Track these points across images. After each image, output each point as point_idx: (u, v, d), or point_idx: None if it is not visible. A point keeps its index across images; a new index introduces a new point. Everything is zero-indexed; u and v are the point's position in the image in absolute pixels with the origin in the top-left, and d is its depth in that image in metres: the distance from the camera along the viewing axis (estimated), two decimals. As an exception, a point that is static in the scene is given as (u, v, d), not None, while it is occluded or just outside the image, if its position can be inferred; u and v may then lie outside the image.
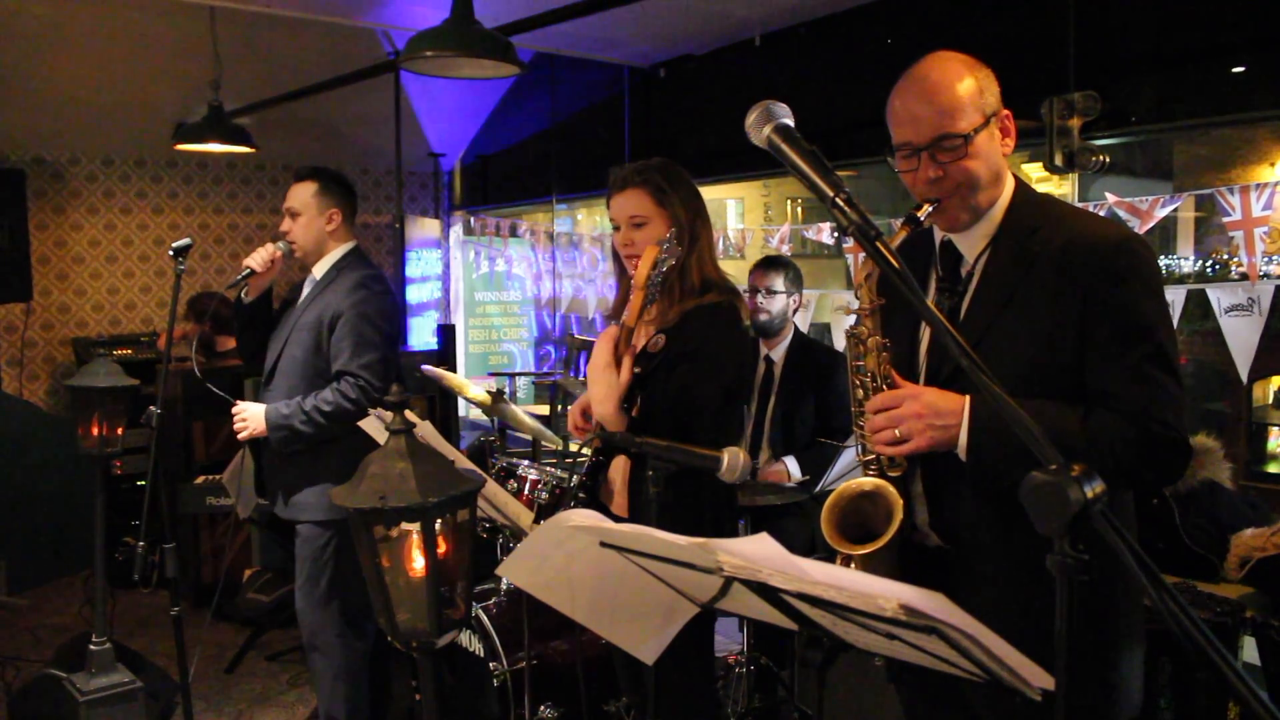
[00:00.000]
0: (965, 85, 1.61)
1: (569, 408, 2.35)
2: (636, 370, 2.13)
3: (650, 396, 2.11)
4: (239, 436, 3.04)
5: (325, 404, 2.93)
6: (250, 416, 3.00)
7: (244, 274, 3.08)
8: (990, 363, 1.19)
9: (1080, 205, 3.44)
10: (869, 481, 1.64)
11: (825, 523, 1.62)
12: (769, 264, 3.64)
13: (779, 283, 3.56)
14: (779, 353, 3.58)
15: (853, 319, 1.68)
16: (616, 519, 2.22)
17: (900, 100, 1.65)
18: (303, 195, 3.11)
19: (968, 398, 1.54)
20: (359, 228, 7.25)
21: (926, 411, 1.54)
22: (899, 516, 1.57)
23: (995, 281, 1.64)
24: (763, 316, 3.54)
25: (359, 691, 3.13)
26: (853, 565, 1.58)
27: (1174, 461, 1.55)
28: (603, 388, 2.07)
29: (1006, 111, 1.67)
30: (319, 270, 3.16)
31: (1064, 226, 1.61)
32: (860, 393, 1.66)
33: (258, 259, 3.08)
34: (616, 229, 2.31)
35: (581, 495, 2.13)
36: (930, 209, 1.62)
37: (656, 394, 2.11)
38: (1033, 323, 1.58)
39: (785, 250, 4.73)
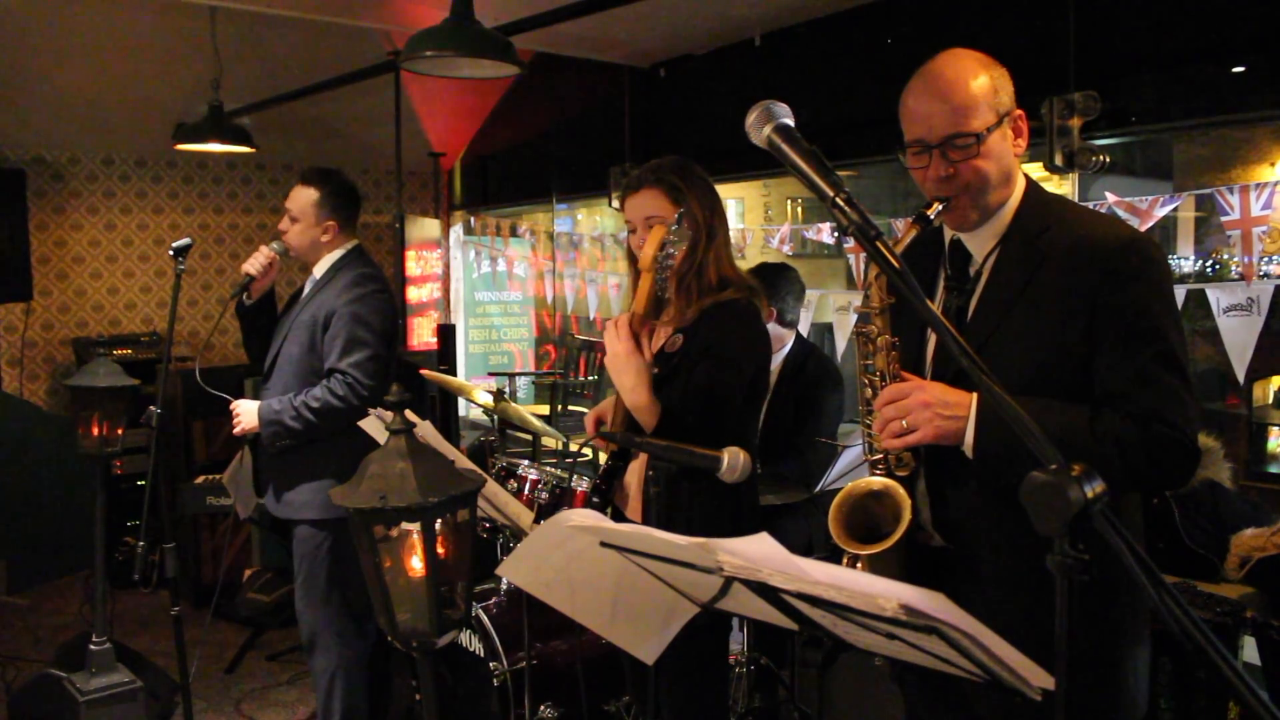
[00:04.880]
0: (979, 83, 1.60)
1: (584, 419, 2.32)
2: (655, 370, 2.10)
3: (673, 395, 2.08)
4: (235, 431, 3.08)
5: (314, 400, 2.96)
6: (244, 412, 3.05)
7: (244, 281, 3.15)
8: (997, 362, 1.19)
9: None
10: (877, 481, 1.63)
11: (833, 522, 1.62)
12: None
13: None
14: (775, 361, 3.51)
15: (863, 318, 1.68)
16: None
17: (913, 97, 1.64)
18: (302, 201, 3.14)
19: (975, 394, 1.53)
20: (360, 228, 7.27)
21: (934, 401, 1.53)
22: (907, 516, 1.57)
23: (1003, 281, 1.64)
24: None
25: (357, 690, 3.14)
26: (859, 565, 1.57)
27: (1181, 464, 1.53)
28: (632, 375, 2.02)
29: (1019, 111, 1.66)
30: (319, 270, 3.20)
31: (1073, 227, 1.61)
32: (869, 392, 1.66)
33: (255, 264, 3.14)
34: (631, 231, 2.26)
35: (595, 500, 2.12)
36: (940, 207, 1.61)
37: (679, 392, 2.08)
38: (1040, 322, 1.57)
39: (785, 250, 4.72)
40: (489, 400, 3.45)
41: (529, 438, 4.18)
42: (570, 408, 6.36)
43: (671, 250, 1.99)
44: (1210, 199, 3.26)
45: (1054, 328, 1.57)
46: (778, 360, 3.47)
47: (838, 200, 1.33)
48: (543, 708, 2.85)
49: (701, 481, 2.09)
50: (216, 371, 4.98)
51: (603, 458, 2.22)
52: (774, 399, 3.44)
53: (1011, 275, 1.63)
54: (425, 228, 7.00)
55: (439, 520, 1.34)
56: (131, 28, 4.80)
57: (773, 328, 3.42)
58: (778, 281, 3.46)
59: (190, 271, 6.48)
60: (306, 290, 3.21)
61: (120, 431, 3.24)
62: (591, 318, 6.59)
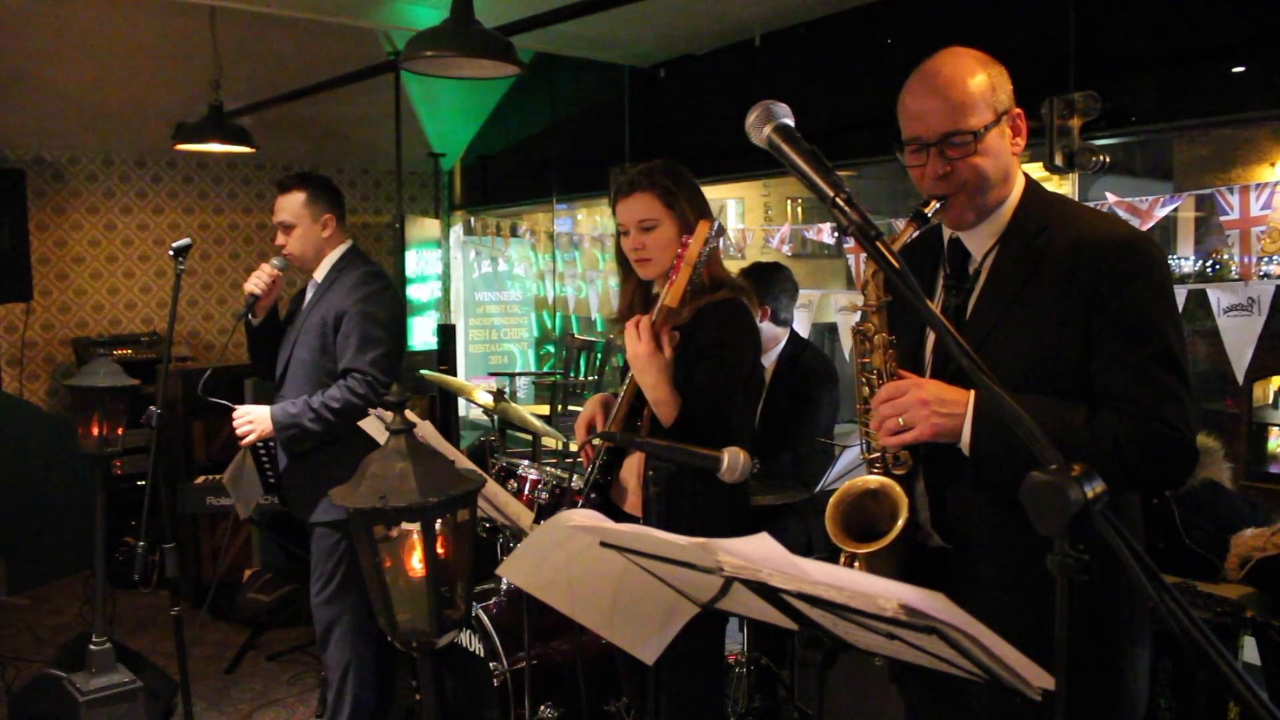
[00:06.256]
0: (977, 81, 1.61)
1: (575, 423, 2.33)
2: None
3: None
4: (243, 441, 3.05)
5: (334, 401, 2.95)
6: (256, 418, 3.01)
7: (250, 301, 3.13)
8: (996, 361, 1.18)
9: (1080, 205, 3.43)
10: (874, 480, 1.63)
11: (830, 520, 1.62)
12: None
13: None
14: (769, 359, 3.51)
15: (860, 316, 1.68)
16: (630, 519, 2.23)
17: (911, 95, 1.64)
18: (293, 206, 3.12)
19: (973, 391, 1.53)
20: (360, 228, 7.29)
21: (931, 399, 1.53)
22: (904, 515, 1.57)
23: (1002, 280, 1.63)
24: None
25: (367, 686, 3.18)
26: (857, 564, 1.57)
27: (1179, 463, 1.53)
28: (654, 374, 2.06)
29: (1018, 110, 1.66)
30: (320, 273, 3.18)
31: (1073, 225, 1.60)
32: (866, 390, 1.65)
33: (258, 283, 3.11)
34: (624, 234, 2.28)
35: (593, 496, 2.13)
36: (937, 205, 1.61)
37: (680, 390, 2.11)
38: (1039, 321, 1.57)
39: (785, 250, 4.72)
40: (489, 400, 3.46)
41: (529, 438, 4.18)
42: (570, 408, 6.36)
43: (710, 248, 2.04)
44: (1210, 199, 3.26)
45: (1053, 327, 1.56)
46: (772, 358, 3.48)
47: (838, 200, 1.32)
48: (543, 708, 2.85)
49: (701, 482, 2.10)
50: (216, 372, 4.97)
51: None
52: (769, 396, 3.45)
53: (1010, 274, 1.62)
54: (425, 228, 7.00)
55: (439, 520, 1.34)
56: (131, 28, 4.80)
57: (767, 326, 3.43)
58: (771, 280, 3.46)
59: (190, 272, 6.48)
60: (310, 295, 3.20)
61: (120, 431, 3.24)
62: (592, 318, 6.59)
